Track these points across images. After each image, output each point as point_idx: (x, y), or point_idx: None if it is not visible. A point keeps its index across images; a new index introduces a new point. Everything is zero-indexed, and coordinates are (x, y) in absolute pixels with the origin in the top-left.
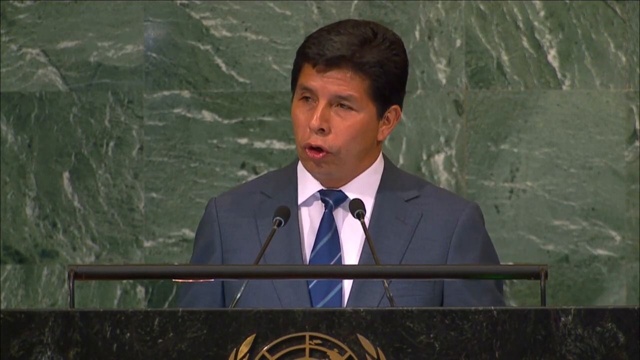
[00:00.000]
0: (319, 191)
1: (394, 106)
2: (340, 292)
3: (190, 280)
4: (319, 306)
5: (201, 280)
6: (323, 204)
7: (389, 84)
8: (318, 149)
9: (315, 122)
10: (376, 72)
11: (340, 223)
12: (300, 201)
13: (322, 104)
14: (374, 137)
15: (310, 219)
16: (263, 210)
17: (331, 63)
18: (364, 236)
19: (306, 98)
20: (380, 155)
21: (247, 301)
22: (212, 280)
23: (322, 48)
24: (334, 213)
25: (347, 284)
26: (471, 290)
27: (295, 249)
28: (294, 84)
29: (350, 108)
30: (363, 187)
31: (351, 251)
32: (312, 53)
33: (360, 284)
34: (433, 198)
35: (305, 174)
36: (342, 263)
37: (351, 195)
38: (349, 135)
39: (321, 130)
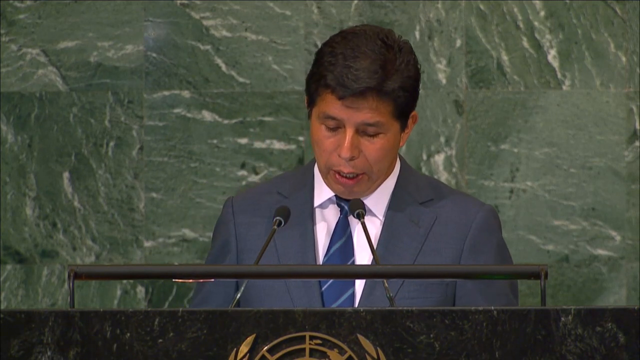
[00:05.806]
0: (335, 195)
1: (413, 113)
2: (353, 295)
3: (190, 280)
4: None
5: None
6: (339, 208)
7: (411, 100)
8: (351, 175)
9: (345, 153)
10: (400, 95)
11: (354, 228)
12: (316, 204)
13: (349, 133)
14: (398, 148)
15: (325, 222)
16: None
17: (357, 95)
18: (378, 240)
19: (330, 124)
20: (397, 157)
21: (260, 302)
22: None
23: (344, 79)
24: (349, 218)
25: (359, 287)
26: (484, 294)
27: (309, 251)
28: (312, 101)
29: (378, 132)
30: (379, 191)
31: (364, 255)
32: (333, 84)
33: (371, 286)
34: (448, 200)
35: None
36: None
37: (366, 200)
38: (379, 157)
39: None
